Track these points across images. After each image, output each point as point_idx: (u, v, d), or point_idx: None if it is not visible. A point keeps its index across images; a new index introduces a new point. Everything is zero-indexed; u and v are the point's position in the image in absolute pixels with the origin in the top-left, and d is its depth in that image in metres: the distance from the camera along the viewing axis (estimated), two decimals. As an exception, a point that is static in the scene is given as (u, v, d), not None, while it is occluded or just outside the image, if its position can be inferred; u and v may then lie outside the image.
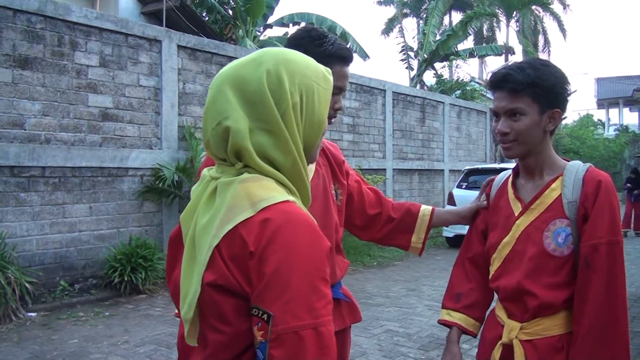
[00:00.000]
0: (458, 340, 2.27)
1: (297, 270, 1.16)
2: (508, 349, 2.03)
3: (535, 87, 1.96)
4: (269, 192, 1.24)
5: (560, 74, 2.02)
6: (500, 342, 2.07)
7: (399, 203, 2.52)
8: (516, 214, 2.09)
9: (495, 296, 2.23)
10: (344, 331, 2.24)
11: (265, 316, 1.15)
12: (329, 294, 1.21)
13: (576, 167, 2.02)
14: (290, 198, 1.26)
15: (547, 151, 2.08)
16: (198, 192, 1.34)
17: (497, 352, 2.07)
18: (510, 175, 2.24)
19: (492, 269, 2.15)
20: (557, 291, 1.96)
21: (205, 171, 1.37)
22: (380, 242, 2.53)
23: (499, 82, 2.03)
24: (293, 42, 2.13)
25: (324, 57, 2.04)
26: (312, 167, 2.18)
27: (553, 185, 2.03)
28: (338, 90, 2.12)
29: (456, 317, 2.29)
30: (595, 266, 1.88)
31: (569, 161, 2.10)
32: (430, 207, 2.51)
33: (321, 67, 1.39)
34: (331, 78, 1.40)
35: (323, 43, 2.08)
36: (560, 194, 2.00)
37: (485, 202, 2.36)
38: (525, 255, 2.02)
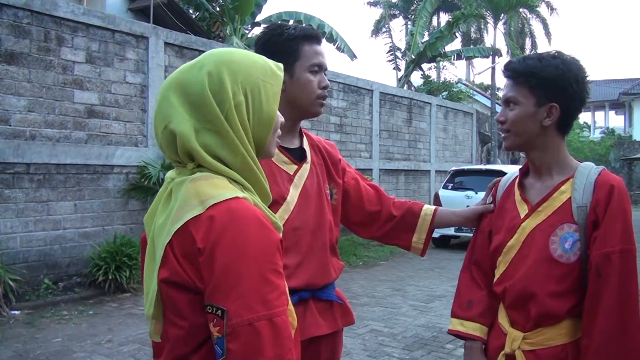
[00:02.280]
0: (482, 350, 2.13)
1: (247, 264, 1.19)
2: (511, 359, 1.96)
3: (531, 78, 1.91)
4: (218, 189, 1.28)
5: (569, 68, 1.92)
6: (502, 352, 1.98)
7: (400, 201, 2.46)
8: (522, 216, 2.01)
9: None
10: (336, 333, 2.22)
11: (219, 312, 1.18)
12: (282, 285, 1.25)
13: (588, 170, 1.93)
14: (241, 194, 1.29)
15: (556, 149, 1.99)
16: (159, 194, 1.39)
17: None
18: (517, 176, 2.15)
19: (498, 272, 2.06)
20: (562, 300, 1.88)
21: (168, 173, 1.41)
22: (381, 240, 2.49)
23: (504, 70, 2.02)
24: (259, 43, 2.16)
25: (290, 42, 2.08)
26: (306, 167, 2.17)
27: (562, 188, 1.94)
28: (317, 68, 2.12)
29: (471, 328, 2.15)
30: (607, 276, 1.78)
31: (581, 162, 2.01)
32: (433, 207, 2.44)
33: (270, 64, 1.42)
34: (281, 74, 1.43)
35: (284, 31, 2.11)
36: (570, 197, 1.91)
37: (492, 204, 2.25)
38: (530, 259, 1.94)
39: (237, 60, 1.37)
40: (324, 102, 2.18)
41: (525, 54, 2.02)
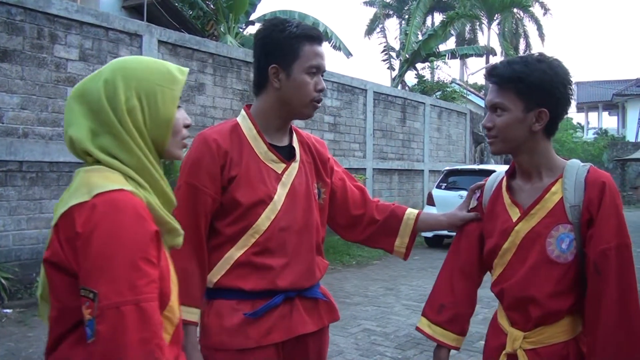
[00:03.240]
0: (447, 358, 2.22)
1: (119, 251, 1.26)
2: (512, 359, 1.98)
3: (519, 83, 1.88)
4: (107, 181, 1.36)
5: (556, 72, 1.91)
6: (504, 352, 2.00)
7: (384, 204, 2.42)
8: (514, 220, 2.00)
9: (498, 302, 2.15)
10: (322, 330, 2.22)
11: (91, 295, 1.24)
12: (153, 274, 1.31)
13: (576, 168, 1.94)
14: (128, 188, 1.37)
15: (543, 151, 1.98)
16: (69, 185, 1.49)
17: None
18: (503, 178, 2.14)
19: (495, 274, 2.07)
20: (562, 299, 1.90)
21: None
22: (364, 243, 2.45)
23: (488, 75, 1.99)
24: (259, 36, 2.12)
25: (290, 40, 2.03)
26: (295, 166, 2.15)
27: (553, 189, 1.94)
28: (315, 70, 2.08)
29: (437, 332, 2.21)
30: (606, 272, 1.80)
31: (567, 160, 2.01)
32: (416, 211, 2.40)
33: (170, 69, 1.50)
34: (183, 77, 1.52)
35: (286, 28, 2.06)
36: (562, 197, 1.91)
37: (478, 214, 2.24)
38: (528, 262, 1.94)
39: (132, 66, 1.46)
40: (318, 105, 2.14)
41: (508, 58, 2.01)
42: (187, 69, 1.55)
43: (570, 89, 1.95)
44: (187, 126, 1.54)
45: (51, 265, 1.34)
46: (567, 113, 2.02)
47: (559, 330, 1.92)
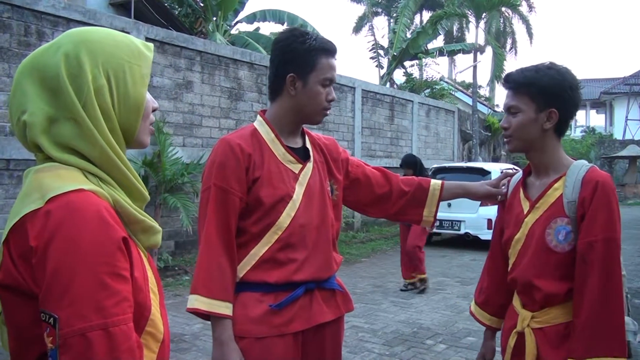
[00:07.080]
0: (491, 337, 2.52)
1: (81, 266, 1.08)
2: (522, 337, 2.18)
3: (531, 87, 2.12)
4: (61, 181, 1.16)
5: (563, 77, 2.13)
6: (515, 330, 2.22)
7: (407, 178, 2.61)
8: (525, 212, 2.22)
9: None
10: (338, 319, 2.36)
11: (51, 320, 1.07)
12: (124, 290, 1.13)
13: (579, 168, 2.13)
14: (87, 187, 1.17)
15: (552, 149, 2.19)
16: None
17: (512, 340, 2.23)
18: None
19: (510, 263, 2.29)
20: (560, 283, 2.09)
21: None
22: (393, 217, 2.64)
23: (504, 81, 2.23)
24: (279, 43, 2.25)
25: (308, 52, 2.18)
26: (310, 166, 2.29)
27: (556, 185, 2.15)
28: (328, 82, 2.23)
29: (477, 312, 2.54)
30: (591, 262, 1.99)
31: (575, 160, 2.21)
32: (439, 182, 2.60)
33: (137, 44, 1.31)
34: (150, 54, 1.34)
35: (306, 40, 2.19)
36: (562, 193, 2.11)
37: (500, 190, 2.47)
38: (531, 249, 2.16)
39: (98, 39, 1.24)
40: (327, 113, 2.30)
41: (522, 67, 2.22)
42: (152, 45, 1.37)
43: (578, 93, 2.16)
44: (154, 110, 1.36)
45: (5, 289, 1.14)
46: (575, 114, 2.25)
47: (563, 312, 2.11)
